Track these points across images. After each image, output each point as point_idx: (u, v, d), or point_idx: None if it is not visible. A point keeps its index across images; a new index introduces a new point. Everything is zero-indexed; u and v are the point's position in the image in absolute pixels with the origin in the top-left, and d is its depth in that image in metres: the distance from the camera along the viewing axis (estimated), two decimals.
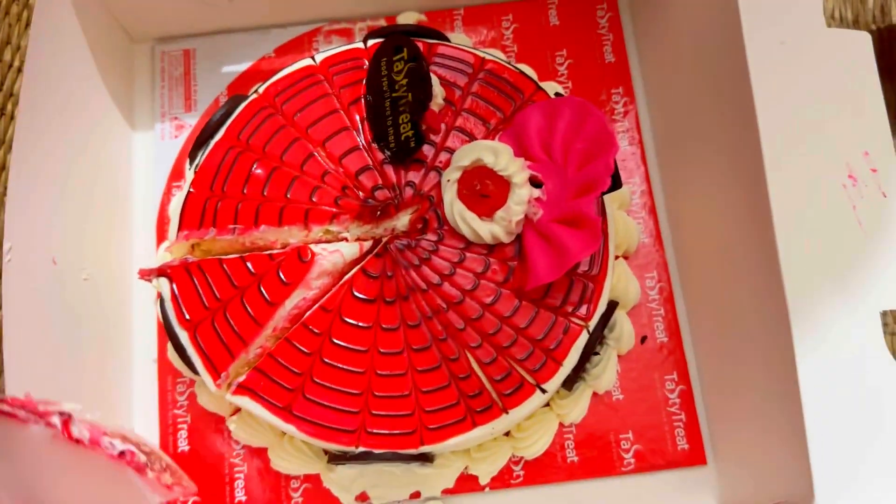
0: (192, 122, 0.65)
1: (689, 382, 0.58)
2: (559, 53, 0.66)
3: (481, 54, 0.58)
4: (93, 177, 0.60)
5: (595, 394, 0.57)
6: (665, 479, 0.57)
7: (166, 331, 0.53)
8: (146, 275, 0.54)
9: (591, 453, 0.57)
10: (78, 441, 0.44)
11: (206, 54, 0.67)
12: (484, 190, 0.52)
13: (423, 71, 0.55)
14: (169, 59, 0.67)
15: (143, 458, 0.47)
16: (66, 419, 0.44)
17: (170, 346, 0.55)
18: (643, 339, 0.59)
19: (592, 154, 0.50)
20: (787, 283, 0.45)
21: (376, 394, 0.51)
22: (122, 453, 0.46)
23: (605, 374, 0.56)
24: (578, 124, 0.51)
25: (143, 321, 0.62)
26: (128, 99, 0.66)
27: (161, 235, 0.63)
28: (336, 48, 0.59)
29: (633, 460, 0.57)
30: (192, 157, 0.58)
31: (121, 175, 0.64)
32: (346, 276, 0.53)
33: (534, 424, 0.55)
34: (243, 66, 0.66)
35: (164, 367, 0.60)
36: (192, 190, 0.55)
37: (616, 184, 0.50)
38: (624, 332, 0.57)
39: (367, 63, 0.57)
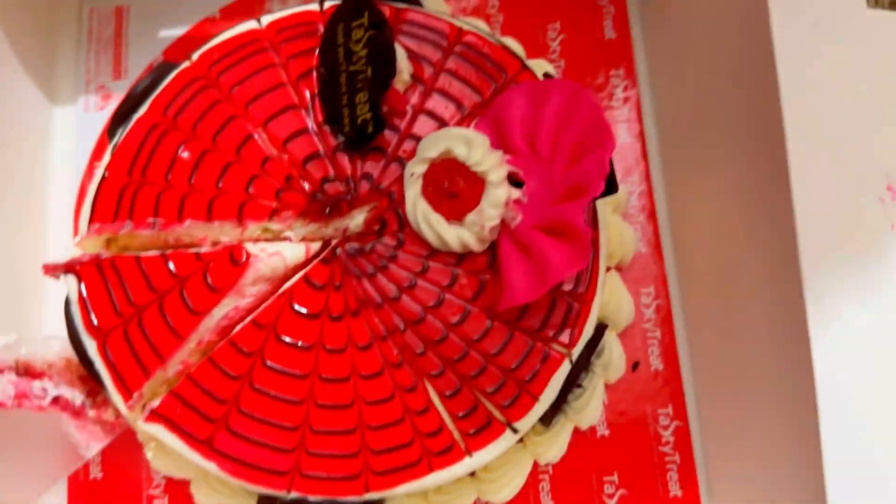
0: (121, 91, 0.56)
1: (686, 418, 0.51)
2: (552, 26, 0.57)
3: (459, 24, 0.49)
4: None
5: (577, 429, 0.49)
6: None
7: (71, 339, 0.45)
8: (51, 271, 0.45)
9: (570, 498, 0.49)
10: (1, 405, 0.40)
11: (140, 13, 0.58)
12: (453, 188, 0.44)
13: (386, 41, 0.46)
14: (98, 17, 0.58)
15: (79, 398, 0.43)
16: None
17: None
18: (635, 366, 0.51)
19: (584, 149, 0.41)
20: (811, 310, 0.38)
21: (315, 429, 0.42)
22: (55, 399, 0.42)
23: (590, 407, 0.48)
24: (569, 112, 0.43)
25: (55, 329, 0.53)
26: (47, 65, 0.57)
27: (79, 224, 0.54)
28: (287, 10, 0.49)
29: None
30: (112, 135, 0.48)
31: (34, 152, 0.55)
32: (288, 284, 0.45)
33: (504, 464, 0.47)
34: (182, 29, 0.57)
35: None
36: (106, 174, 0.46)
37: (610, 188, 0.41)
38: (613, 357, 0.49)
39: (321, 29, 0.48)
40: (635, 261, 0.53)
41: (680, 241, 0.53)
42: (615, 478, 0.49)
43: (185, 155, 0.46)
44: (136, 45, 0.57)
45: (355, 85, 0.46)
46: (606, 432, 0.50)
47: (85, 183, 0.55)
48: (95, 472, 0.50)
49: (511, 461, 0.47)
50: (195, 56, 0.48)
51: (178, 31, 0.57)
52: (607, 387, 0.50)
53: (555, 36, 0.57)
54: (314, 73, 0.48)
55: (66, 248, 0.54)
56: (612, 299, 0.49)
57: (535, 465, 0.49)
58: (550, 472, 0.49)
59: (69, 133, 0.56)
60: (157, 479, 0.50)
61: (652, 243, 0.53)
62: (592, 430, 0.50)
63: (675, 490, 0.49)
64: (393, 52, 0.46)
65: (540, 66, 0.51)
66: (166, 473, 0.49)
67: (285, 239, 0.46)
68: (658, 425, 0.50)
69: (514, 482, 0.48)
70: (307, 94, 0.48)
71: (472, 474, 0.48)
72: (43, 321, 0.54)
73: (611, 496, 0.49)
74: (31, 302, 0.53)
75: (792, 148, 0.39)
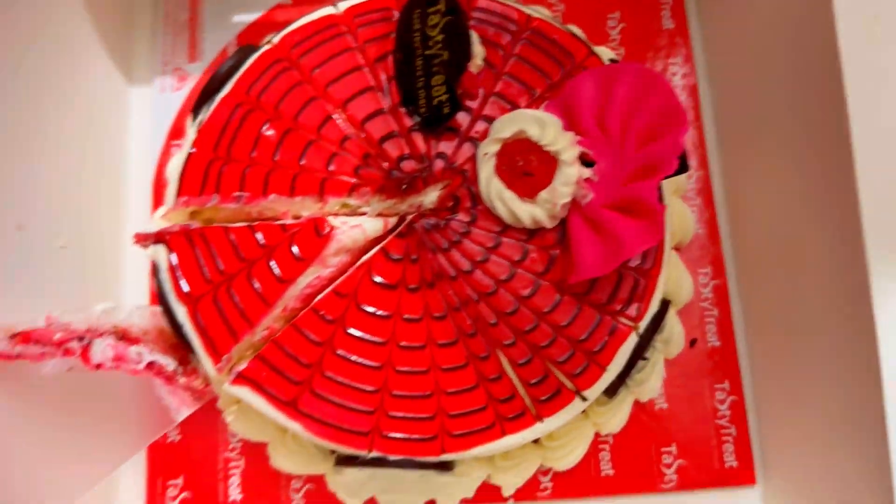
0: (195, 73, 0.59)
1: (742, 393, 0.52)
2: (612, 16, 0.59)
3: (527, 11, 0.51)
4: (78, 132, 0.53)
5: (637, 402, 0.51)
6: (706, 499, 0.51)
7: (161, 306, 0.47)
8: (142, 240, 0.48)
9: (630, 467, 0.51)
10: (98, 366, 0.42)
11: None
12: (527, 167, 0.46)
13: (461, 26, 0.48)
14: (174, 1, 0.60)
15: (171, 365, 0.45)
16: (87, 346, 0.42)
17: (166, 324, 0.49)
18: (693, 343, 0.53)
19: (656, 131, 0.43)
20: (875, 287, 0.39)
21: (394, 393, 0.45)
22: (149, 364, 0.44)
23: (650, 381, 0.50)
24: (640, 96, 0.45)
25: (133, 296, 0.55)
26: (125, 47, 0.59)
27: (158, 200, 0.57)
28: None
29: (675, 476, 0.51)
30: (196, 113, 0.51)
31: (113, 130, 0.58)
32: (366, 256, 0.47)
33: (567, 433, 0.49)
34: (255, 15, 0.59)
35: None
36: (193, 150, 0.49)
37: (683, 166, 0.43)
38: (673, 334, 0.51)
39: (397, 14, 0.50)
40: (693, 242, 0.54)
41: (737, 224, 0.54)
42: (673, 449, 0.51)
43: (270, 133, 0.48)
44: (210, 29, 0.59)
45: (431, 68, 0.48)
46: (665, 405, 0.52)
47: (162, 161, 0.57)
48: (173, 436, 0.53)
49: (574, 430, 0.49)
50: (276, 39, 0.51)
51: (251, 17, 0.59)
52: (666, 362, 0.52)
53: (615, 24, 0.58)
54: (390, 57, 0.50)
55: (144, 221, 0.57)
56: (673, 278, 0.51)
57: (597, 434, 0.51)
58: (611, 441, 0.51)
59: (145, 112, 0.59)
60: (233, 443, 0.52)
61: (709, 225, 0.55)
62: (651, 402, 0.52)
63: (730, 461, 0.51)
64: (468, 36, 0.48)
65: (604, 53, 0.53)
66: (244, 436, 0.51)
67: (362, 214, 0.48)
68: (715, 399, 0.52)
69: (577, 450, 0.50)
70: (383, 77, 0.50)
71: (537, 441, 0.50)
72: (122, 291, 0.56)
73: (668, 466, 0.51)
74: (110, 272, 0.56)
75: (856, 132, 0.40)
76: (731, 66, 0.56)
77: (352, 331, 0.45)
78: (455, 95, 0.48)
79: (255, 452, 0.52)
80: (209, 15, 0.59)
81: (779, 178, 0.50)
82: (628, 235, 0.42)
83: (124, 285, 0.56)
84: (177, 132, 0.57)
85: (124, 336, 0.45)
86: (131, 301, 0.56)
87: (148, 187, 0.57)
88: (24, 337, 0.41)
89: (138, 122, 0.59)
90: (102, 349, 0.43)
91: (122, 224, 0.57)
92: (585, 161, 0.46)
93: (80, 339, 0.43)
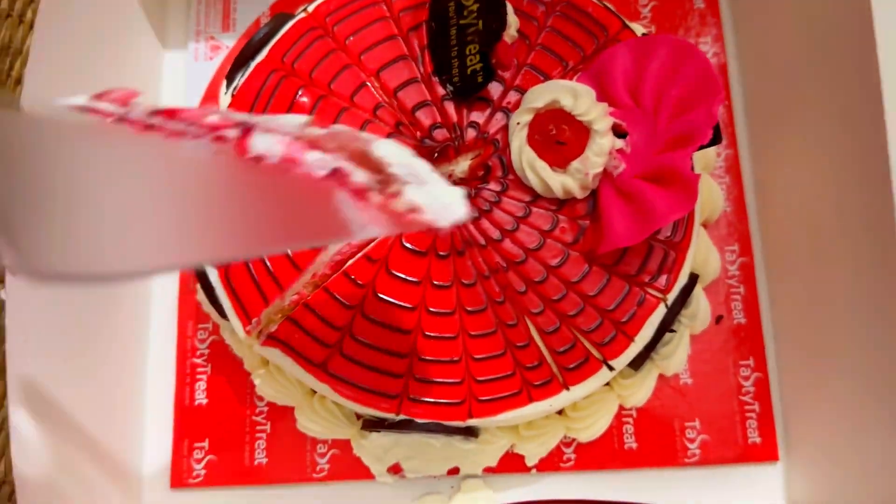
0: (229, 43, 0.59)
1: (766, 370, 0.52)
2: None
3: None
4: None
5: (662, 376, 0.52)
6: (728, 474, 0.51)
7: (194, 269, 0.48)
8: None
9: (653, 440, 0.51)
10: (258, 158, 0.31)
11: None
12: (559, 136, 0.46)
13: None
14: None
15: (362, 178, 0.33)
16: (248, 129, 0.32)
17: (198, 286, 0.49)
18: (718, 319, 0.53)
19: (691, 102, 0.43)
20: None
21: (423, 357, 0.45)
22: (335, 171, 0.32)
23: (676, 355, 0.50)
24: (675, 67, 0.45)
25: None
26: (160, 13, 0.60)
27: None
28: None
29: (698, 451, 0.51)
30: (230, 80, 0.51)
31: (147, 90, 0.58)
32: None
33: (592, 404, 0.49)
34: None
35: (185, 311, 0.55)
36: None
37: (717, 137, 0.43)
38: (700, 309, 0.51)
39: None
40: (721, 219, 0.54)
41: (764, 202, 0.54)
42: (697, 423, 0.51)
43: (304, 100, 0.49)
44: None
45: (465, 37, 0.48)
46: (689, 381, 0.52)
47: None
48: (201, 398, 0.53)
49: (598, 402, 0.50)
50: (311, 7, 0.51)
51: None
52: (692, 337, 0.52)
53: (646, 2, 0.58)
54: (424, 27, 0.50)
55: None
56: (701, 254, 0.51)
57: (621, 408, 0.51)
58: (635, 415, 0.51)
59: (178, 78, 0.59)
60: (260, 406, 0.53)
61: (737, 203, 0.55)
62: (676, 377, 0.52)
63: (753, 437, 0.51)
64: (504, 5, 0.48)
65: (636, 30, 0.53)
66: (271, 400, 0.52)
67: None
68: (739, 376, 0.52)
69: (601, 422, 0.50)
70: (417, 45, 0.50)
71: (561, 412, 0.50)
72: None
73: (692, 440, 0.51)
74: None
75: (890, 112, 0.40)
76: (761, 46, 0.55)
77: (382, 295, 0.46)
78: (489, 65, 0.48)
79: (281, 416, 0.52)
80: None
81: (808, 157, 0.49)
82: (660, 204, 0.42)
83: None
84: (210, 100, 0.58)
85: (307, 141, 0.33)
86: None
87: None
88: (170, 112, 0.32)
89: (171, 87, 0.59)
90: (268, 145, 0.32)
91: None
92: (618, 133, 0.46)
93: (240, 126, 0.32)
